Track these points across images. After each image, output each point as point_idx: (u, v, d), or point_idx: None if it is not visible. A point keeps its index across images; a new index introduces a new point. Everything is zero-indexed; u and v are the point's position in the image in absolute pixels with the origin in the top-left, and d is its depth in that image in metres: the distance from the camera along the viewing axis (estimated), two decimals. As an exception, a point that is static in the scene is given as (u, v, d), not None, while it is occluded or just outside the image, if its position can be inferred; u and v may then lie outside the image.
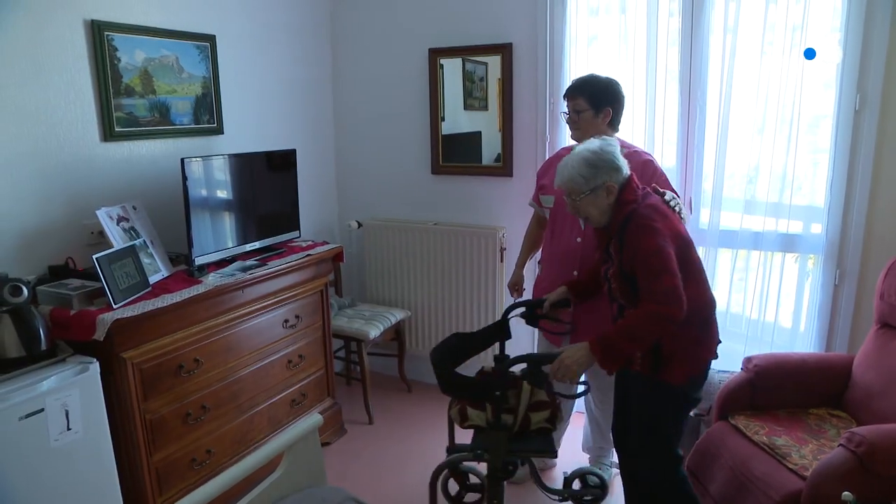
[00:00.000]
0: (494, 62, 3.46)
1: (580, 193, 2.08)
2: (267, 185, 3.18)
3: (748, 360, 2.56)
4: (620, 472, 2.47)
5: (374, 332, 3.47)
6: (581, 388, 2.15)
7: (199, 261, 2.76)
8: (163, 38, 2.89)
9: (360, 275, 4.05)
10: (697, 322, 2.09)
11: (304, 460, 1.99)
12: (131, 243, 2.52)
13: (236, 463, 2.68)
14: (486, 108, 3.57)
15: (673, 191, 2.46)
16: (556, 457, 2.41)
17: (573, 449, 3.14)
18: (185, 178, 2.66)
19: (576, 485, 2.57)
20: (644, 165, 2.52)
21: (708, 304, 2.15)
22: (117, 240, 2.52)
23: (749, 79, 2.92)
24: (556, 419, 2.32)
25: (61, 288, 2.38)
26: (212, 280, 2.66)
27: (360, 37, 3.84)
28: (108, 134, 2.71)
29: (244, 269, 2.79)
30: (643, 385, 2.18)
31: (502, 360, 2.46)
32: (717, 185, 3.04)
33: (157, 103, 2.89)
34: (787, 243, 2.97)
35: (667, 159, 3.15)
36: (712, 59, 2.98)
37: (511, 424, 2.21)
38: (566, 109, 2.61)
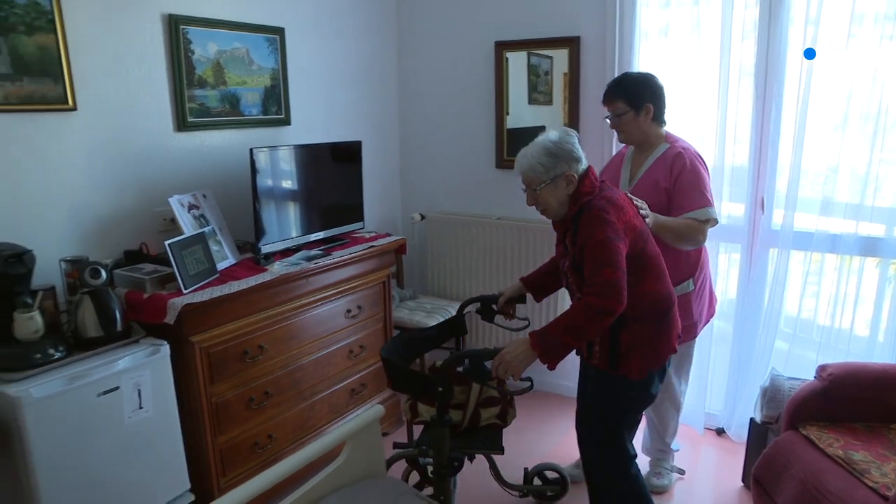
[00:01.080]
0: (560, 56, 3.41)
1: (540, 183, 2.06)
2: (332, 176, 3.22)
3: (822, 368, 2.44)
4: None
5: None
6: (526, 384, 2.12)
7: (265, 249, 2.81)
8: (234, 30, 2.95)
9: (422, 267, 4.06)
10: (655, 316, 2.09)
11: (364, 450, 2.00)
12: (201, 230, 2.59)
13: (296, 448, 2.79)
14: (550, 102, 3.52)
15: (702, 192, 2.43)
16: (502, 453, 2.36)
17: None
18: (253, 167, 2.72)
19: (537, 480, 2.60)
20: (675, 158, 2.47)
21: (666, 298, 2.13)
22: (188, 227, 2.59)
23: (830, 72, 2.78)
24: (508, 415, 2.34)
25: (135, 272, 2.46)
26: (277, 268, 2.70)
27: (427, 29, 3.84)
28: (182, 124, 2.78)
29: (308, 259, 2.84)
30: (600, 379, 2.17)
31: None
32: (791, 185, 2.91)
33: (227, 94, 2.96)
34: (868, 247, 2.83)
35: (738, 157, 3.05)
36: (791, 52, 2.85)
37: (459, 421, 2.19)
38: (608, 115, 2.56)
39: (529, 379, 2.09)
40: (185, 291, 2.37)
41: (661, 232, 2.37)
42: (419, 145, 4.03)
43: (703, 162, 2.54)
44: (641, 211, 2.23)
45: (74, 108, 2.43)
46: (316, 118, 3.45)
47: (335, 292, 2.99)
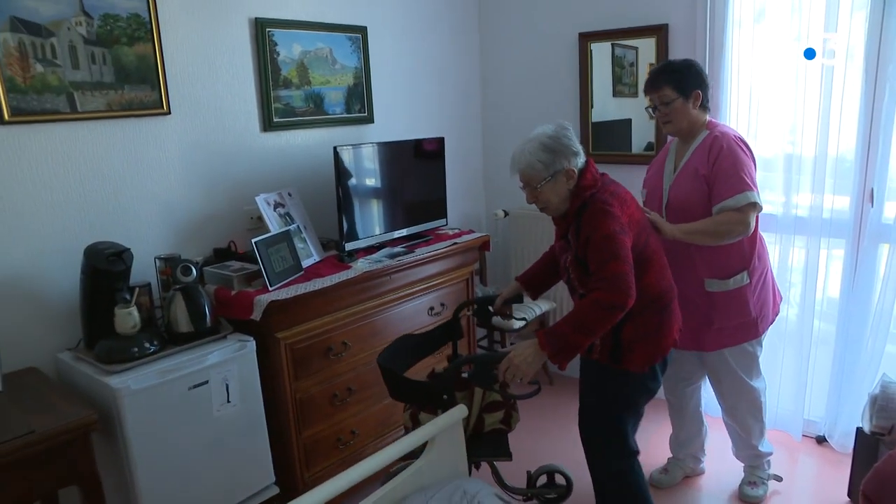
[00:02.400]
0: (646, 46, 3.28)
1: (540, 180, 2.01)
2: (415, 173, 3.22)
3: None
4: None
5: (518, 322, 3.42)
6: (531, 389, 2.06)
7: (348, 247, 2.84)
8: (318, 31, 2.99)
9: (506, 264, 4.01)
10: (657, 309, 2.06)
11: (447, 450, 1.98)
12: (286, 228, 2.64)
13: (378, 444, 2.80)
14: (635, 94, 3.40)
15: (740, 176, 2.28)
16: (510, 458, 2.27)
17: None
18: (337, 165, 2.74)
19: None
20: (712, 143, 2.35)
21: (668, 290, 2.10)
22: (274, 225, 2.65)
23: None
24: (512, 420, 2.26)
25: (224, 269, 2.54)
26: (360, 266, 2.72)
27: (509, 23, 3.78)
28: (268, 124, 2.85)
29: (392, 256, 2.84)
30: (601, 374, 2.12)
31: (454, 360, 2.36)
32: (906, 176, 2.68)
33: (311, 94, 3.01)
34: None
35: (843, 146, 2.83)
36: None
37: (464, 427, 2.10)
38: (650, 104, 2.44)
39: (537, 382, 2.03)
40: (270, 288, 2.42)
41: (694, 238, 2.30)
42: (502, 140, 3.98)
43: (745, 146, 2.38)
44: (655, 223, 2.22)
45: (168, 113, 2.53)
46: (398, 116, 3.46)
47: (418, 289, 2.99)
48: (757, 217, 2.35)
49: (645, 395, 2.16)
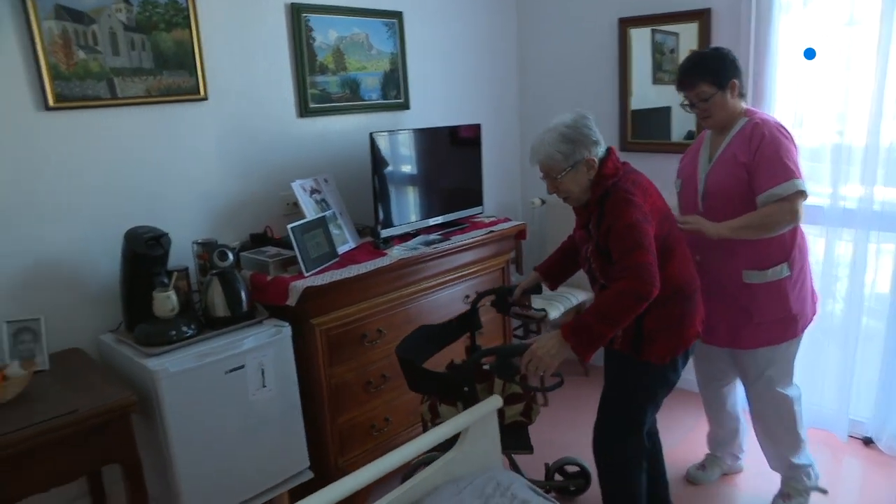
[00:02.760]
0: (687, 31, 3.19)
1: (561, 171, 1.99)
2: (451, 160, 3.19)
3: None
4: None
5: (554, 312, 3.38)
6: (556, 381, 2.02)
7: (384, 233, 2.83)
8: (354, 16, 2.98)
9: (542, 253, 3.95)
10: (680, 299, 2.02)
11: (481, 441, 1.97)
12: (322, 214, 2.64)
13: (412, 433, 2.80)
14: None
15: (785, 164, 2.17)
16: (531, 452, 2.26)
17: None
18: (373, 151, 2.73)
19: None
20: (753, 130, 2.24)
21: (691, 281, 2.08)
22: (310, 211, 2.65)
23: None
24: (532, 412, 2.24)
25: (260, 255, 2.55)
26: (396, 253, 2.71)
27: (547, 7, 3.71)
28: (304, 110, 2.85)
29: (427, 244, 2.83)
30: (623, 364, 2.09)
31: (473, 351, 2.33)
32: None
33: (347, 80, 3.00)
34: None
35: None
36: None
37: None
38: (685, 101, 2.31)
39: (559, 374, 1.99)
40: (306, 274, 2.42)
41: (743, 233, 2.21)
42: (540, 127, 3.88)
43: (787, 132, 2.27)
44: (686, 226, 2.16)
45: (206, 98, 2.54)
46: (435, 102, 3.43)
47: (454, 277, 2.97)
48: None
49: (665, 386, 2.14)
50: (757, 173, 2.21)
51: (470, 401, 2.01)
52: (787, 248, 2.31)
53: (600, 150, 2.01)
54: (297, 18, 2.76)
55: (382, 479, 1.75)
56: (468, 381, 2.01)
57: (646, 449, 2.20)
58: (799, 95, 2.91)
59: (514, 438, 2.24)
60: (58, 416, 1.83)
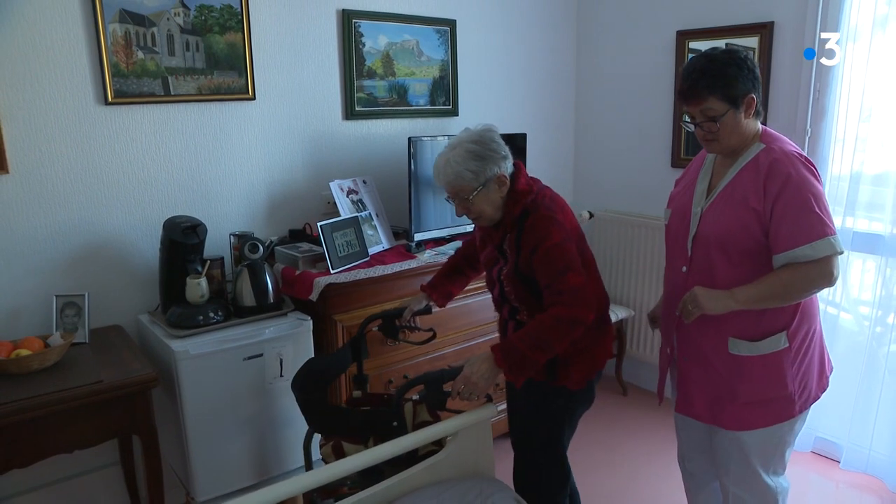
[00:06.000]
0: (746, 45, 3.04)
1: (471, 191, 1.86)
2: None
3: None
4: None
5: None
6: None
7: (418, 237, 2.88)
8: (405, 23, 3.05)
9: (589, 267, 3.90)
10: (596, 321, 1.90)
11: (471, 448, 1.96)
12: (355, 214, 2.72)
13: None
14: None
15: (819, 216, 1.68)
16: None
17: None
18: (411, 155, 2.79)
19: None
20: (772, 167, 1.72)
21: (605, 302, 2.00)
22: (345, 210, 2.74)
23: None
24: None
25: (293, 250, 2.66)
26: (426, 257, 2.76)
27: (608, 20, 3.66)
28: (350, 113, 2.95)
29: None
30: (537, 392, 1.97)
31: (363, 380, 2.23)
32: None
33: (395, 85, 3.07)
34: None
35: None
36: None
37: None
38: (689, 119, 1.83)
39: (489, 396, 1.90)
40: (332, 271, 2.51)
41: (762, 304, 1.76)
42: (594, 140, 3.87)
43: (814, 168, 1.77)
44: (687, 317, 1.80)
45: (254, 98, 2.68)
46: (485, 110, 3.45)
47: (482, 284, 2.96)
48: None
49: (583, 409, 2.06)
50: (779, 227, 1.72)
51: (399, 436, 1.81)
52: (788, 314, 1.82)
53: (509, 166, 1.90)
54: (347, 24, 2.86)
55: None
56: (398, 415, 1.87)
57: (570, 470, 2.11)
58: (863, 115, 2.72)
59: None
60: (84, 384, 1.99)
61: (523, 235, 1.85)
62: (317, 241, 2.73)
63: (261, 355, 2.36)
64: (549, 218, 1.83)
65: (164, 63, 2.48)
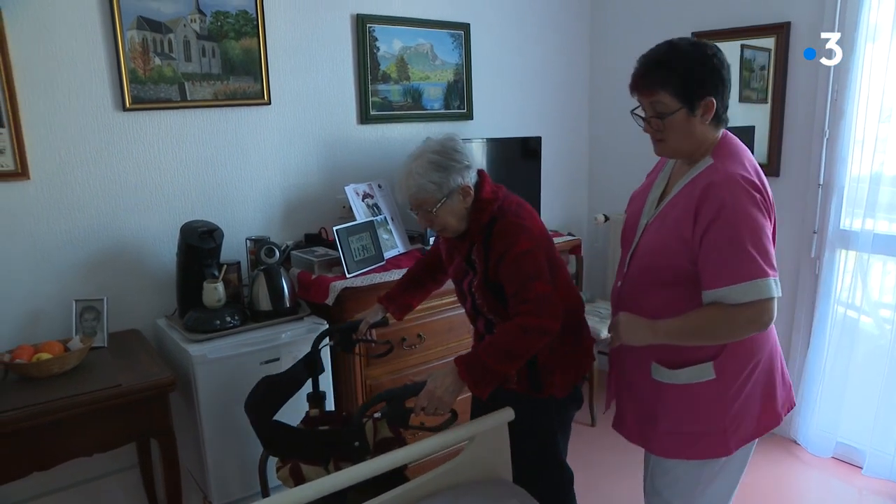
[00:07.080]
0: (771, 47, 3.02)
1: (435, 203, 1.79)
2: (508, 171, 3.20)
3: None
4: None
5: (606, 331, 3.31)
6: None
7: (433, 241, 2.88)
8: (419, 27, 3.06)
9: (604, 271, 3.88)
10: (574, 326, 1.90)
11: (488, 452, 1.96)
12: (370, 219, 2.73)
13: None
14: (765, 100, 3.11)
15: (749, 254, 1.48)
16: None
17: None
18: (424, 160, 2.79)
19: None
20: (705, 191, 1.54)
21: (578, 303, 1.94)
22: (360, 214, 2.74)
23: None
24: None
25: (309, 254, 2.67)
26: (441, 260, 2.76)
27: (622, 22, 3.65)
28: (364, 117, 2.96)
29: (471, 253, 2.85)
30: (525, 404, 1.89)
31: (320, 398, 2.15)
32: None
33: (410, 89, 3.08)
34: None
35: None
36: None
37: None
38: (639, 112, 1.67)
39: (453, 411, 1.80)
40: (348, 276, 2.51)
41: (684, 340, 1.61)
42: (608, 143, 3.85)
43: (762, 194, 1.54)
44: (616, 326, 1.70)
45: (269, 103, 2.70)
46: (500, 113, 3.45)
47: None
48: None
49: (573, 413, 2.03)
50: (706, 263, 1.53)
51: (362, 457, 1.73)
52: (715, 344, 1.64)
53: (473, 175, 1.84)
54: (361, 29, 2.87)
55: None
56: (359, 434, 1.77)
57: (572, 473, 2.07)
58: (882, 116, 2.69)
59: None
60: (103, 388, 2.01)
61: (491, 241, 1.80)
62: (332, 246, 2.74)
63: (277, 359, 2.36)
64: (516, 225, 1.78)
65: (180, 69, 2.50)
